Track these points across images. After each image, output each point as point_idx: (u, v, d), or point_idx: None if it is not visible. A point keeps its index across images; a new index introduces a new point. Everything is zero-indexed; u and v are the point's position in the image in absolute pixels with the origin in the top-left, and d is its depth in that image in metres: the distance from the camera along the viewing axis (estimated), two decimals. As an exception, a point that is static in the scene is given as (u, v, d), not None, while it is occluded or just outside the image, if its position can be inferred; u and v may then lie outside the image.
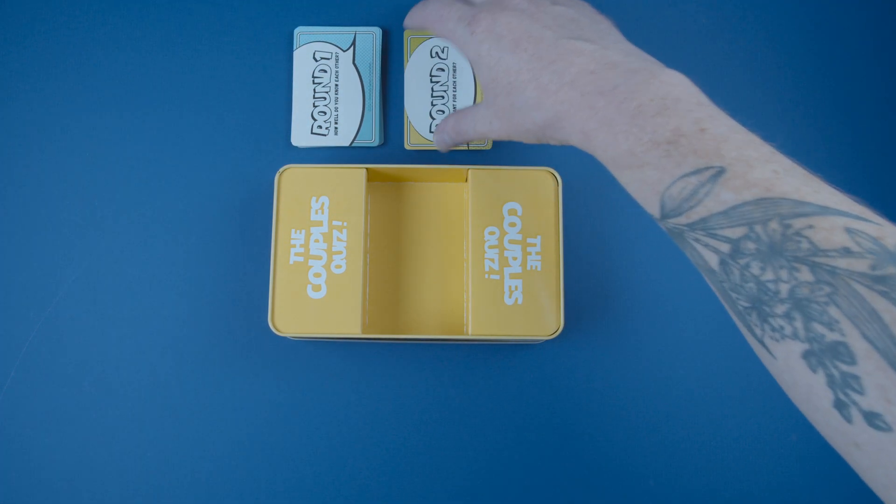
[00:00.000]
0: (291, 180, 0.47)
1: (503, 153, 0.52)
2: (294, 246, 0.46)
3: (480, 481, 0.49)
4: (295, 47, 0.53)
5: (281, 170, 0.47)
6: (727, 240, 0.31)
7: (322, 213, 0.46)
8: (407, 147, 0.52)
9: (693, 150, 0.32)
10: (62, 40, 0.53)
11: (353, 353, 0.50)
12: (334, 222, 0.46)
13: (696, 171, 0.32)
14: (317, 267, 0.46)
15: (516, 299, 0.45)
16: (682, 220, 0.33)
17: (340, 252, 0.46)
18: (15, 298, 0.50)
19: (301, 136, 0.52)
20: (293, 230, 0.46)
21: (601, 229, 0.51)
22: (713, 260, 0.32)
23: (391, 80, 0.53)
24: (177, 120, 0.52)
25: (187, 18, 0.53)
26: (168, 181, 0.52)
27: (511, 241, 0.46)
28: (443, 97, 0.52)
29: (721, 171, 0.31)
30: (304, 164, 0.47)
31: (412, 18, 0.46)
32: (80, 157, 0.52)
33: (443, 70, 0.53)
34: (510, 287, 0.46)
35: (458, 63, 0.53)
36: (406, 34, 0.53)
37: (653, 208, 0.34)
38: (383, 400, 0.50)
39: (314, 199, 0.46)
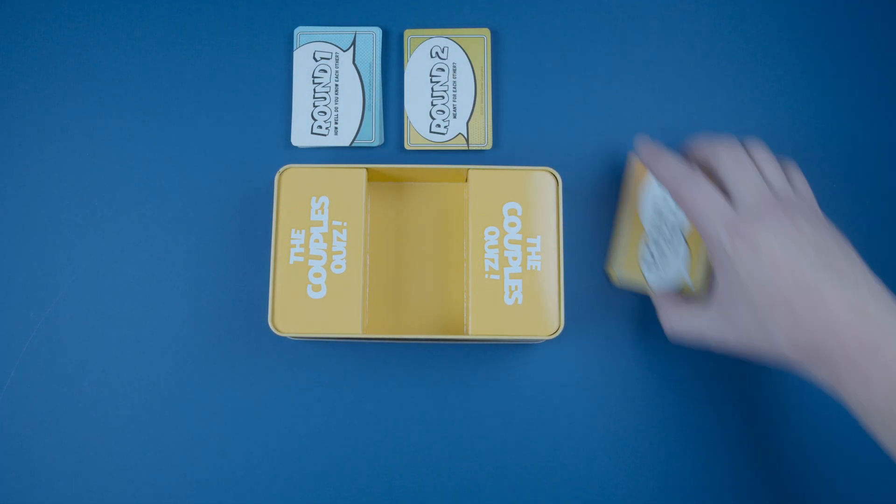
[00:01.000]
0: (291, 180, 0.47)
1: (503, 153, 0.52)
2: (294, 246, 0.46)
3: (480, 481, 0.49)
4: (295, 47, 0.53)
5: (281, 170, 0.47)
6: None
7: (322, 213, 0.46)
8: (407, 147, 0.52)
9: None
10: (62, 40, 0.53)
11: (353, 353, 0.50)
12: (334, 222, 0.46)
13: None
14: (317, 267, 0.46)
15: (516, 299, 0.45)
16: None
17: (340, 252, 0.46)
18: (15, 298, 0.50)
19: (301, 136, 0.52)
20: (293, 230, 0.46)
21: (601, 229, 0.51)
22: None
23: (391, 80, 0.53)
24: (177, 120, 0.52)
25: (187, 18, 0.53)
26: (168, 181, 0.52)
27: (511, 241, 0.46)
28: (443, 97, 0.52)
29: None
30: (304, 164, 0.47)
31: (660, 173, 0.45)
32: (80, 157, 0.52)
33: (443, 70, 0.53)
34: (510, 287, 0.46)
35: (457, 63, 0.53)
36: (406, 33, 0.53)
37: None
38: (383, 400, 0.50)
39: (314, 199, 0.46)
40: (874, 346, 0.36)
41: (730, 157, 0.43)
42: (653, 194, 0.49)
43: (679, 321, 0.45)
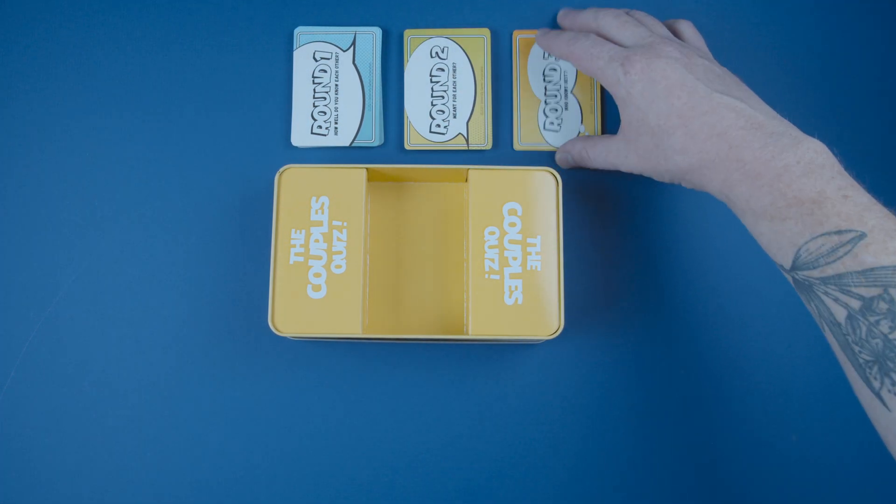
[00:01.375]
0: (291, 180, 0.47)
1: (503, 153, 0.52)
2: (294, 246, 0.46)
3: (480, 481, 0.49)
4: (295, 47, 0.53)
5: (281, 170, 0.47)
6: (859, 297, 0.34)
7: (322, 213, 0.46)
8: (407, 147, 0.52)
9: (836, 212, 0.36)
10: (62, 40, 0.53)
11: (353, 353, 0.50)
12: (334, 222, 0.46)
13: (838, 232, 0.35)
14: (317, 267, 0.46)
15: (516, 299, 0.45)
16: (815, 273, 0.36)
17: (340, 252, 0.46)
18: (15, 298, 0.50)
19: (301, 136, 0.52)
20: (293, 230, 0.46)
21: (601, 229, 0.51)
22: (840, 314, 0.35)
23: (391, 80, 0.53)
24: (177, 120, 0.52)
25: (187, 18, 0.53)
26: (168, 181, 0.52)
27: (511, 241, 0.46)
28: (443, 97, 0.52)
29: (862, 236, 0.35)
30: (304, 164, 0.47)
31: (553, 46, 0.48)
32: (80, 157, 0.52)
33: (443, 70, 0.53)
34: (510, 287, 0.46)
35: (457, 63, 0.53)
36: (406, 33, 0.53)
37: (784, 259, 0.38)
38: (383, 400, 0.50)
39: (314, 199, 0.46)
40: (765, 154, 0.38)
41: (612, 17, 0.47)
42: (538, 65, 0.52)
43: (595, 153, 0.48)
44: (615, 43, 0.45)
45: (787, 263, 0.38)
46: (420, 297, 0.50)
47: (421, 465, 0.49)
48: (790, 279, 0.38)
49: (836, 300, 0.36)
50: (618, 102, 0.45)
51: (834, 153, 0.38)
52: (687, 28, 0.49)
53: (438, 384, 0.50)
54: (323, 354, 0.50)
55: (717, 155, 0.40)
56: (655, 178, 0.45)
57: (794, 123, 0.40)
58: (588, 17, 0.48)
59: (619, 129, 0.46)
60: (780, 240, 0.38)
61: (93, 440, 0.49)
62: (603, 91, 0.52)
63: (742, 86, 0.43)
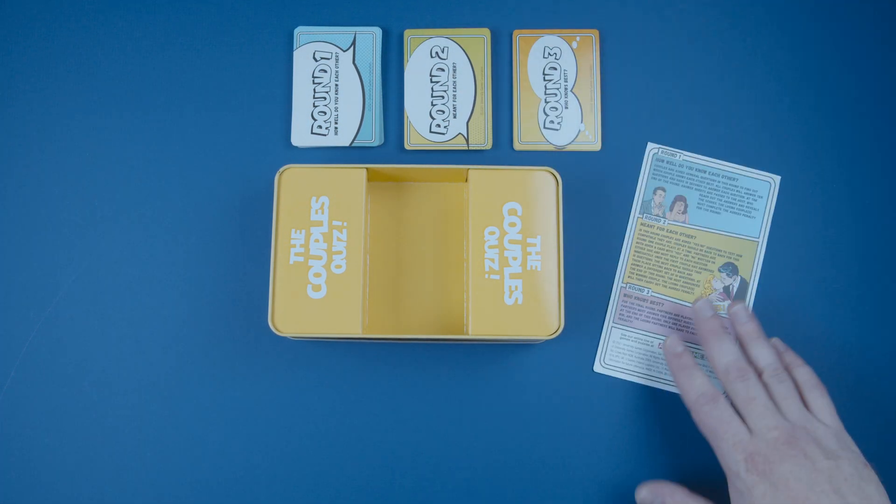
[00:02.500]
0: (291, 180, 0.47)
1: (503, 153, 0.52)
2: (294, 246, 0.46)
3: (480, 481, 0.49)
4: (295, 47, 0.53)
5: (281, 170, 0.47)
6: None
7: (322, 213, 0.46)
8: (407, 147, 0.52)
9: None
10: (62, 40, 0.53)
11: (353, 353, 0.50)
12: (334, 222, 0.46)
13: None
14: (317, 267, 0.46)
15: (516, 299, 0.45)
16: None
17: (340, 252, 0.46)
18: (15, 298, 0.50)
19: (301, 136, 0.52)
20: (293, 230, 0.46)
21: (601, 229, 0.51)
22: None
23: (391, 80, 0.53)
24: (177, 120, 0.52)
25: (187, 18, 0.53)
26: (168, 181, 0.52)
27: (511, 241, 0.46)
28: (443, 97, 0.52)
29: None
30: (304, 164, 0.47)
31: (682, 385, 0.45)
32: (80, 157, 0.52)
33: (443, 70, 0.53)
34: (510, 287, 0.46)
35: (457, 63, 0.53)
36: (406, 33, 0.53)
37: None
38: (383, 400, 0.50)
39: (314, 199, 0.46)
40: None
41: (744, 392, 0.43)
42: (538, 64, 0.52)
43: None
44: (742, 405, 0.43)
45: None
46: (420, 297, 0.50)
47: (421, 464, 0.49)
48: None
49: None
50: (731, 491, 0.43)
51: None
52: (820, 401, 0.44)
53: (438, 384, 0.50)
54: (323, 354, 0.50)
55: None
56: None
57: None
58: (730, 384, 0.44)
59: None
60: None
61: (93, 440, 0.49)
62: (603, 90, 0.52)
63: (866, 486, 0.40)
